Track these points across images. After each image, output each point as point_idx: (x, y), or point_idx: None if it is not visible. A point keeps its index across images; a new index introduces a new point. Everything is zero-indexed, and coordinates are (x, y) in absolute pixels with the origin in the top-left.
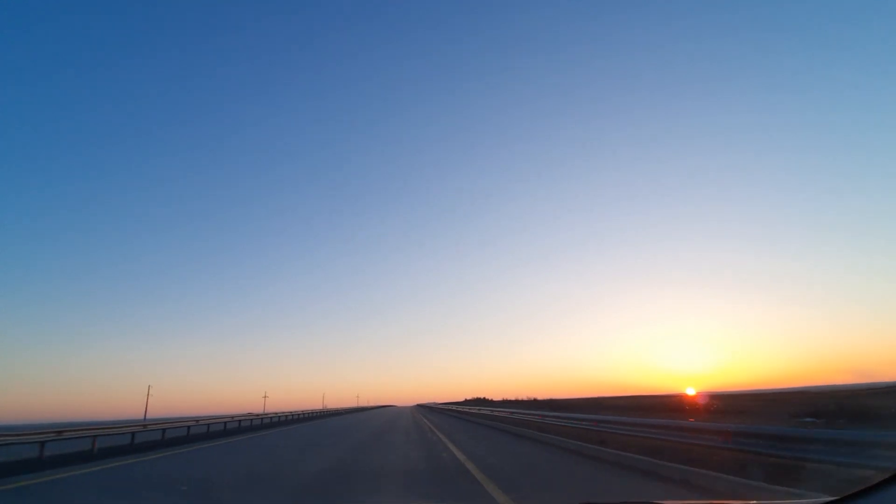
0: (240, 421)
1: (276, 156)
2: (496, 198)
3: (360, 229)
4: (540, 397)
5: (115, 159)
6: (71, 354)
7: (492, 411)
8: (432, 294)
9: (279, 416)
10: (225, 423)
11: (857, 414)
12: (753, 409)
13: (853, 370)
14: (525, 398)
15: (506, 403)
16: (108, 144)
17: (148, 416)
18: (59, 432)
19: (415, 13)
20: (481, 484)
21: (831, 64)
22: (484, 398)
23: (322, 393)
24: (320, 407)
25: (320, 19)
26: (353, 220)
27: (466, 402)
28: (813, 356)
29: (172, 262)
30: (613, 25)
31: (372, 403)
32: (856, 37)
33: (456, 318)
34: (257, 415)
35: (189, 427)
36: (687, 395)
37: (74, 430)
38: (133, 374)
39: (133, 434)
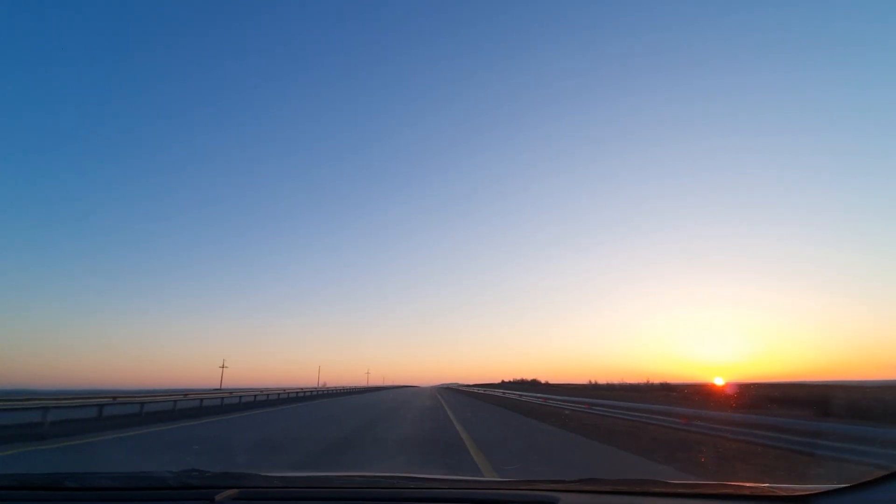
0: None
1: (316, 125)
2: (543, 169)
3: (386, 198)
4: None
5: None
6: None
7: (587, 405)
8: (462, 268)
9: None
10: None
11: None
12: None
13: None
14: (629, 382)
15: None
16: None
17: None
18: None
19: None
20: None
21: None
22: (535, 380)
23: (318, 367)
24: (315, 385)
25: (320, 14)
26: (378, 188)
27: (504, 385)
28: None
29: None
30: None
31: (388, 383)
32: None
33: (491, 293)
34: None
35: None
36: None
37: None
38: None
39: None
